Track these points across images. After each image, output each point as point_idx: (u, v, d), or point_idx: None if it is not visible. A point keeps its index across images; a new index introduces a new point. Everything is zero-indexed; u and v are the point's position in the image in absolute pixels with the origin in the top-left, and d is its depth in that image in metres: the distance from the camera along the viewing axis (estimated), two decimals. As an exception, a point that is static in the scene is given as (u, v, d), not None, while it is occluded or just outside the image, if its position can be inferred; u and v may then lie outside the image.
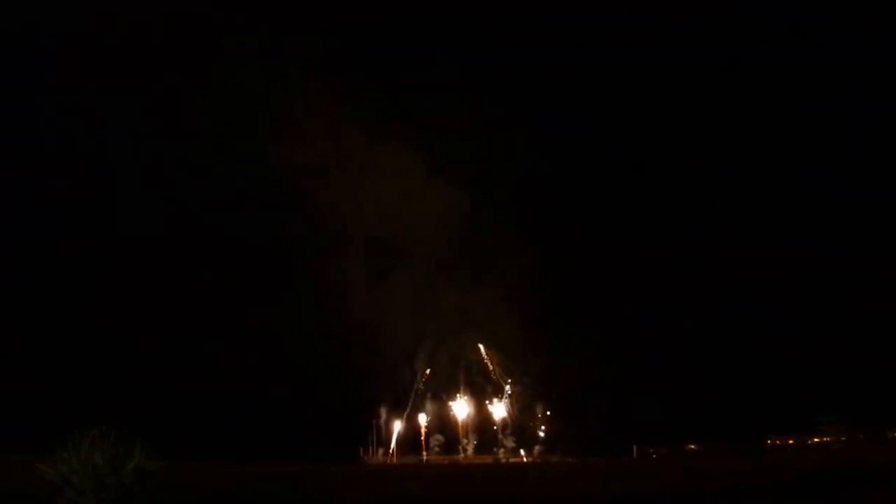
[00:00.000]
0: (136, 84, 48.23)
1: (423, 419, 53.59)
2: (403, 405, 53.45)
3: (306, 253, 49.99)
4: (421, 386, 53.72)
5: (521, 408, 53.72)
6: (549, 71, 51.57)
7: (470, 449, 52.91)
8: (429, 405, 53.80)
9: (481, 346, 54.40)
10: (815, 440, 48.84)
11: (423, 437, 53.32)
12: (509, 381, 53.89)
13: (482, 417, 53.77)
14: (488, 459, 51.74)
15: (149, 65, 47.86)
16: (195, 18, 46.16)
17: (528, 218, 50.56)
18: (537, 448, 52.57)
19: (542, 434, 53.18)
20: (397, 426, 52.91)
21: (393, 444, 52.35)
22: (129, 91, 48.15)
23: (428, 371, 53.77)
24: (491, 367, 54.00)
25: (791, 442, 49.78)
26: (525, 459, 51.98)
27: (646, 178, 52.44)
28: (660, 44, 50.59)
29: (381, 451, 51.83)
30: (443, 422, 53.79)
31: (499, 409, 53.85)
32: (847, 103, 49.88)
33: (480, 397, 54.08)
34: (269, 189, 49.93)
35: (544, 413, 53.23)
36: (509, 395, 53.85)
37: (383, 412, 52.58)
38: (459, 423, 53.15)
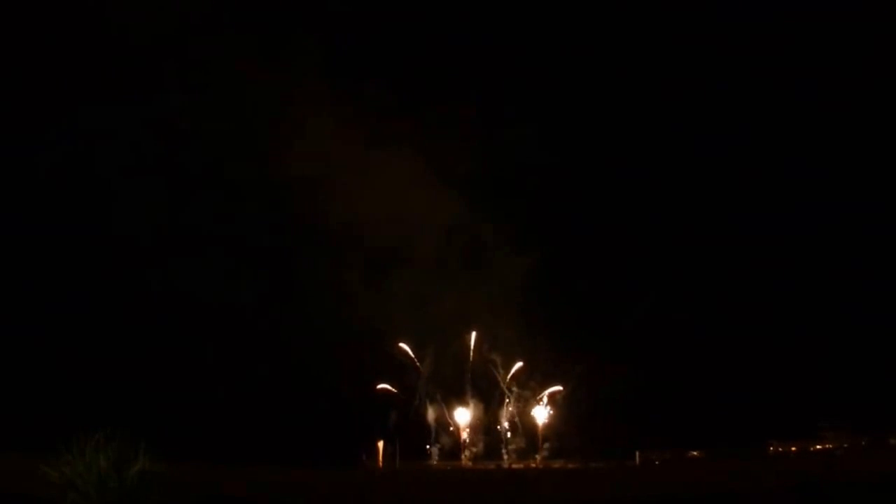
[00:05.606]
0: (132, 87, 48.48)
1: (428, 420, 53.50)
2: (407, 409, 53.37)
3: (308, 256, 50.08)
4: (423, 390, 53.63)
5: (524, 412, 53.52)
6: (550, 69, 51.63)
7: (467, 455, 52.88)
8: (432, 409, 53.68)
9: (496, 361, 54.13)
10: (818, 447, 48.68)
11: (429, 440, 53.28)
12: (513, 387, 53.71)
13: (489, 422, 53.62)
14: (491, 465, 51.64)
15: (146, 66, 48.13)
16: (194, 18, 46.38)
17: (529, 217, 50.59)
18: (540, 454, 52.37)
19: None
20: (399, 430, 52.78)
21: (394, 449, 52.22)
22: (127, 95, 48.38)
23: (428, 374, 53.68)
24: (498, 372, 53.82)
25: (794, 448, 49.63)
26: (529, 465, 51.84)
27: (649, 177, 52.25)
28: (661, 42, 50.64)
29: (388, 451, 51.70)
30: (447, 425, 53.71)
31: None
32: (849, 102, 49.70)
33: (487, 401, 53.90)
34: (271, 192, 50.08)
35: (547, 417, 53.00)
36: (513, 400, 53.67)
37: (392, 415, 52.45)
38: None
